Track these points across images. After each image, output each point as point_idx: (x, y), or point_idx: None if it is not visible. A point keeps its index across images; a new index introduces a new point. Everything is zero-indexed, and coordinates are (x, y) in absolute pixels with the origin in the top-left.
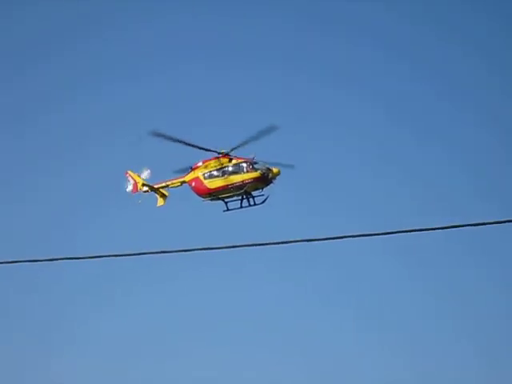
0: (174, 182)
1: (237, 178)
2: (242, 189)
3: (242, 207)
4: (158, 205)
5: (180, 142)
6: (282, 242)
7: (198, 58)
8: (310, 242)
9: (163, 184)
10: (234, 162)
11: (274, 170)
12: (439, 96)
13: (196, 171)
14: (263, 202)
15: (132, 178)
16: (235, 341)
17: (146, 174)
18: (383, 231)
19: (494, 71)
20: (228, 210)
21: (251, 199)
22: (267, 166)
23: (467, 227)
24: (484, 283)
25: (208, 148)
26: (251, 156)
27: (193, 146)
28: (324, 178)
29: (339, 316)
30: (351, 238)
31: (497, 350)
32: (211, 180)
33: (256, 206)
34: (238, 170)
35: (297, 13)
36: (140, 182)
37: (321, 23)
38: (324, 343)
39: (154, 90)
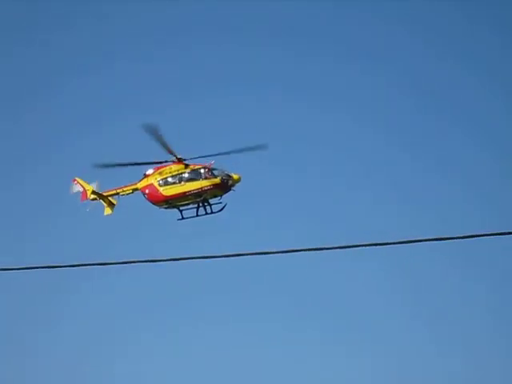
0: (124, 189)
1: (195, 185)
2: (200, 196)
3: (198, 215)
4: (106, 213)
5: (128, 164)
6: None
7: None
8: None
9: (113, 192)
10: (191, 167)
11: (235, 176)
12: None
13: (150, 178)
14: (221, 209)
15: (81, 185)
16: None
17: (94, 184)
18: (366, 243)
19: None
20: (183, 218)
21: (208, 207)
22: (226, 172)
23: (455, 240)
24: (472, 295)
25: (160, 161)
26: (209, 162)
27: (145, 163)
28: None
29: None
30: (336, 250)
31: (487, 362)
32: (167, 187)
33: (213, 214)
34: (195, 177)
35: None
36: (90, 189)
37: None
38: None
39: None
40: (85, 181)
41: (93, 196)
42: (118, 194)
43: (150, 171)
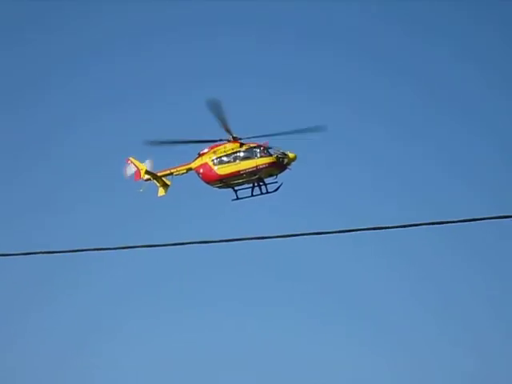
0: (178, 169)
1: (250, 164)
2: (255, 175)
3: (253, 195)
4: (159, 195)
5: (181, 142)
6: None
7: None
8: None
9: (167, 172)
10: (246, 146)
11: (290, 155)
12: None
13: (204, 157)
14: (276, 189)
15: (134, 164)
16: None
17: (147, 162)
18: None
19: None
20: (238, 198)
21: (263, 187)
22: (282, 150)
23: (452, 224)
24: (471, 280)
25: (214, 139)
26: (264, 141)
27: (197, 141)
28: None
29: (324, 317)
30: (330, 234)
31: (486, 346)
32: (221, 166)
33: (268, 194)
34: (250, 155)
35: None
36: (143, 169)
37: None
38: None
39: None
40: (138, 160)
41: (146, 176)
42: (172, 174)
43: (204, 150)
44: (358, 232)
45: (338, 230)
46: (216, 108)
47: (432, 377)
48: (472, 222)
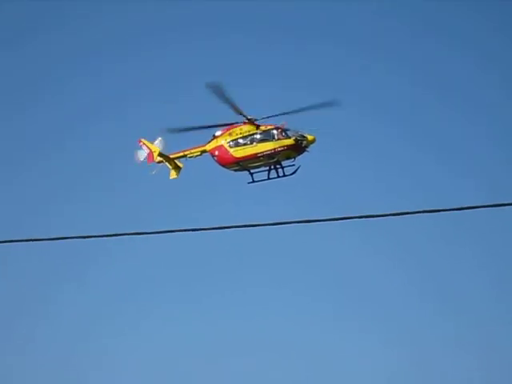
0: (192, 151)
1: (267, 146)
2: (273, 158)
3: (269, 178)
4: (171, 177)
5: (200, 128)
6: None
7: None
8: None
9: (180, 154)
10: (262, 128)
11: (309, 137)
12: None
13: (219, 139)
14: (294, 172)
15: (147, 146)
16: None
17: (157, 142)
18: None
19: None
20: (253, 181)
21: (280, 170)
22: (300, 132)
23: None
24: (468, 269)
25: (230, 122)
26: (281, 123)
27: (215, 126)
28: None
29: (318, 305)
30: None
31: (484, 336)
32: (238, 148)
33: (285, 178)
34: (268, 138)
35: None
36: (156, 151)
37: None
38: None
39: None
40: (150, 141)
41: (159, 158)
42: (185, 156)
43: (218, 132)
44: (364, 219)
45: (334, 217)
46: (218, 91)
47: (429, 360)
48: (468, 210)
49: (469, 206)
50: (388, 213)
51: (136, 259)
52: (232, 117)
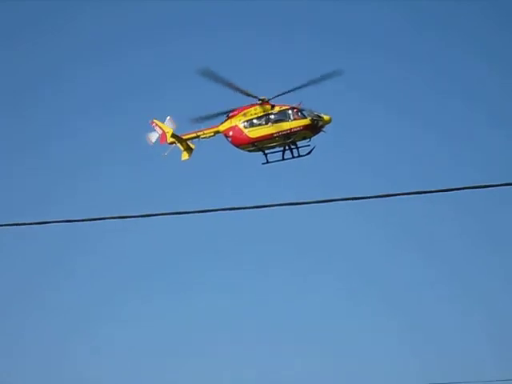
0: (205, 132)
1: (283, 126)
2: (288, 138)
3: (284, 159)
4: (183, 159)
5: (220, 114)
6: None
7: None
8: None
9: (193, 134)
10: (277, 108)
11: (325, 117)
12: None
13: (233, 120)
14: (309, 153)
15: (159, 127)
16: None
17: (167, 121)
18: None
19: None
20: (268, 162)
21: (295, 150)
22: (316, 112)
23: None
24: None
25: (250, 93)
26: (297, 103)
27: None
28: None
29: (327, 284)
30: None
31: (493, 309)
32: (253, 129)
33: (300, 158)
34: (283, 118)
35: None
36: (169, 132)
37: None
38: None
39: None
40: (162, 122)
41: (171, 139)
42: (198, 137)
43: (233, 113)
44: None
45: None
46: (211, 76)
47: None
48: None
49: (473, 185)
50: (399, 192)
51: (135, 243)
52: (246, 101)
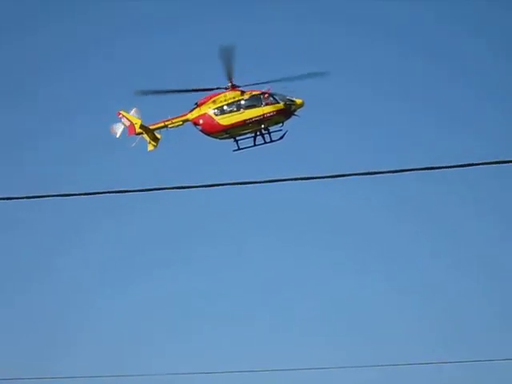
0: (174, 121)
1: (256, 112)
2: (261, 124)
3: (255, 145)
4: (149, 149)
5: (173, 91)
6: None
7: None
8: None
9: (161, 124)
10: (248, 94)
11: (298, 101)
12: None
13: (203, 107)
14: (281, 137)
15: (127, 118)
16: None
17: (133, 112)
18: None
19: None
20: (239, 149)
21: (267, 135)
22: (288, 97)
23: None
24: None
25: (210, 87)
26: (266, 88)
27: (191, 90)
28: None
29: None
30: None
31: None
32: (224, 116)
33: (272, 143)
34: (255, 103)
35: None
36: (138, 123)
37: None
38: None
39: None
40: (128, 112)
41: (139, 130)
42: (166, 126)
43: (202, 100)
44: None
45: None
46: (228, 54)
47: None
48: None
49: (468, 163)
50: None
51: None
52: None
